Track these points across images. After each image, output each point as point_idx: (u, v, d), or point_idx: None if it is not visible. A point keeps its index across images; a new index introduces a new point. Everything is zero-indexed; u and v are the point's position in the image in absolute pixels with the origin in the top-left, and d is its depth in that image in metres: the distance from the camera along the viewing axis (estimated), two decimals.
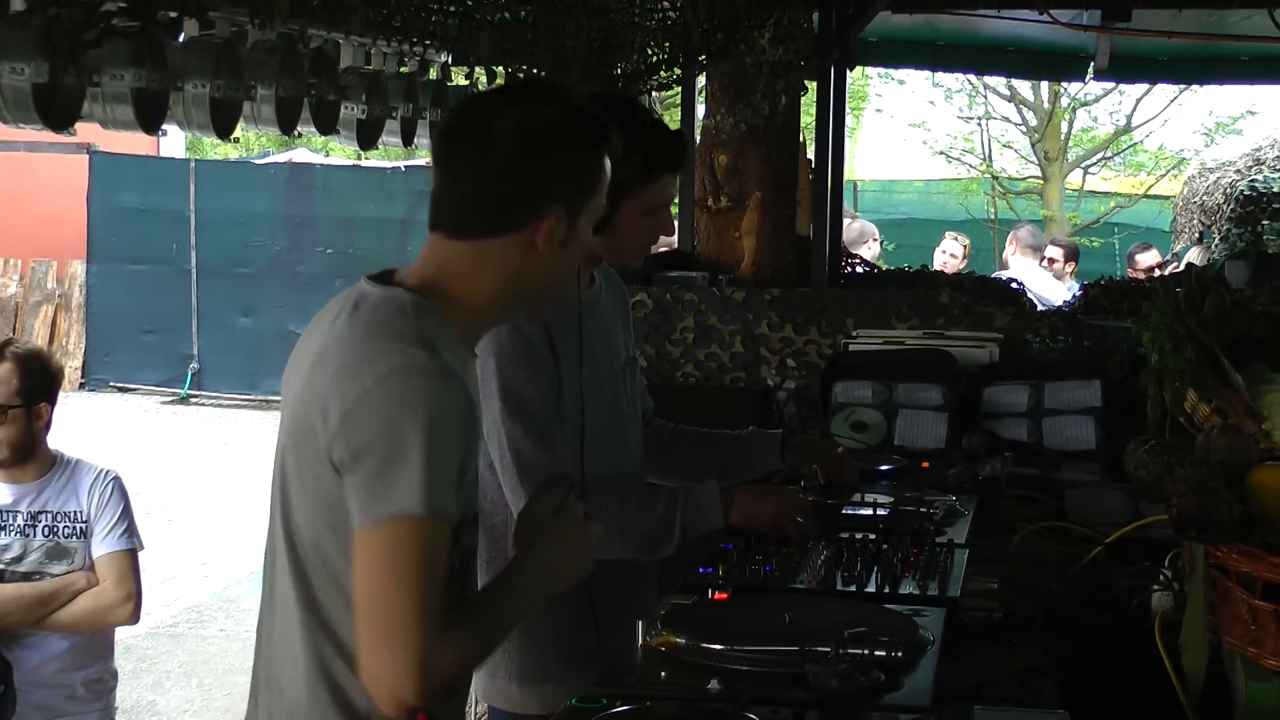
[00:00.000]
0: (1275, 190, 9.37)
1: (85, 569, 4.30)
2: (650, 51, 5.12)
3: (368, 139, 4.55)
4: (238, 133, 3.88)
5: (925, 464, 4.08)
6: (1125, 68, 8.47)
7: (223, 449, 13.92)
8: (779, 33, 5.58)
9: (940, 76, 20.36)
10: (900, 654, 2.29)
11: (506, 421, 3.08)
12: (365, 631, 2.15)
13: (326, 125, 4.26)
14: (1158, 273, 9.63)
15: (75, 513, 4.31)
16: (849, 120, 8.28)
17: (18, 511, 4.29)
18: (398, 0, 3.97)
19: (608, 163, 2.40)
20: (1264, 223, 9.14)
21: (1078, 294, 6.47)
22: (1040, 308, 6.10)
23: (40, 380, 4.27)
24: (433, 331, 2.25)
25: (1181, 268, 7.88)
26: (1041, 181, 20.75)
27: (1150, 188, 20.85)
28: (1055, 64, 8.71)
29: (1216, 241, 9.52)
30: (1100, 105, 21.43)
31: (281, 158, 20.14)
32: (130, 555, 4.35)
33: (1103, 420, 4.65)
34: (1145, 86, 19.10)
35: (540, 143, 2.31)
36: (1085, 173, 22.13)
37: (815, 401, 5.20)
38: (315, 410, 2.21)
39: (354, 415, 2.16)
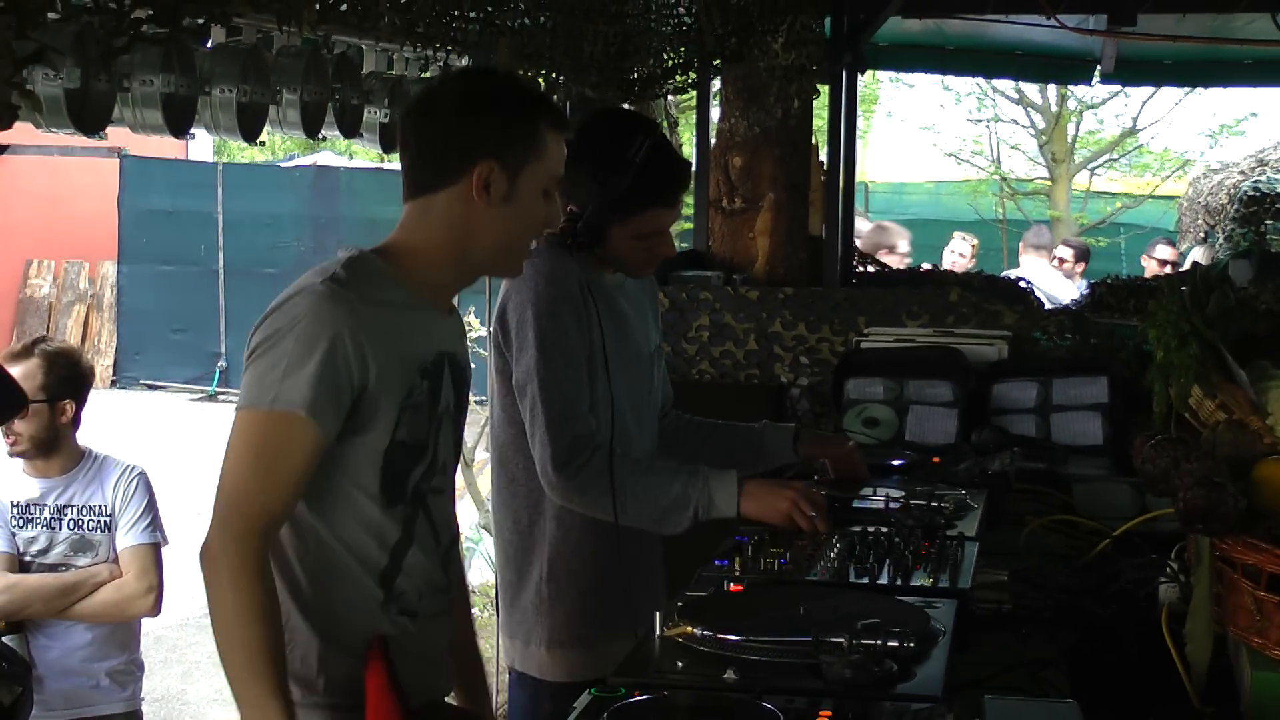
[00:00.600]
0: (1278, 190, 9.34)
1: (109, 562, 4.32)
2: (666, 56, 5.12)
3: (391, 142, 4.55)
4: (264, 136, 3.88)
5: (936, 459, 4.07)
6: (1130, 71, 8.46)
7: None
8: (792, 38, 5.57)
9: (949, 80, 20.34)
10: (912, 645, 2.28)
11: (541, 370, 3.10)
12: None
13: (350, 129, 4.26)
14: (1169, 269, 9.60)
15: (100, 507, 4.32)
16: (860, 123, 8.26)
17: (44, 505, 4.31)
18: (421, 6, 3.97)
19: (548, 133, 2.58)
20: (1267, 222, 9.11)
21: (1085, 292, 6.45)
22: (1048, 306, 6.09)
23: (66, 377, 4.29)
24: (358, 274, 2.48)
25: (1186, 267, 7.87)
26: (1049, 182, 20.68)
27: (1156, 188, 20.77)
28: (1062, 68, 8.69)
29: (1221, 241, 9.50)
30: (1106, 108, 21.37)
31: (306, 161, 20.21)
32: (153, 549, 4.37)
33: (1110, 416, 4.64)
34: (1150, 89, 19.00)
35: (470, 105, 2.55)
36: (1092, 174, 22.05)
37: (828, 398, 5.19)
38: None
39: (259, 326, 2.43)
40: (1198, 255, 9.72)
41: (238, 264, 17.87)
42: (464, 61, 4.83)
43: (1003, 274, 7.50)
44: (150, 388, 17.82)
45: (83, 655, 4.32)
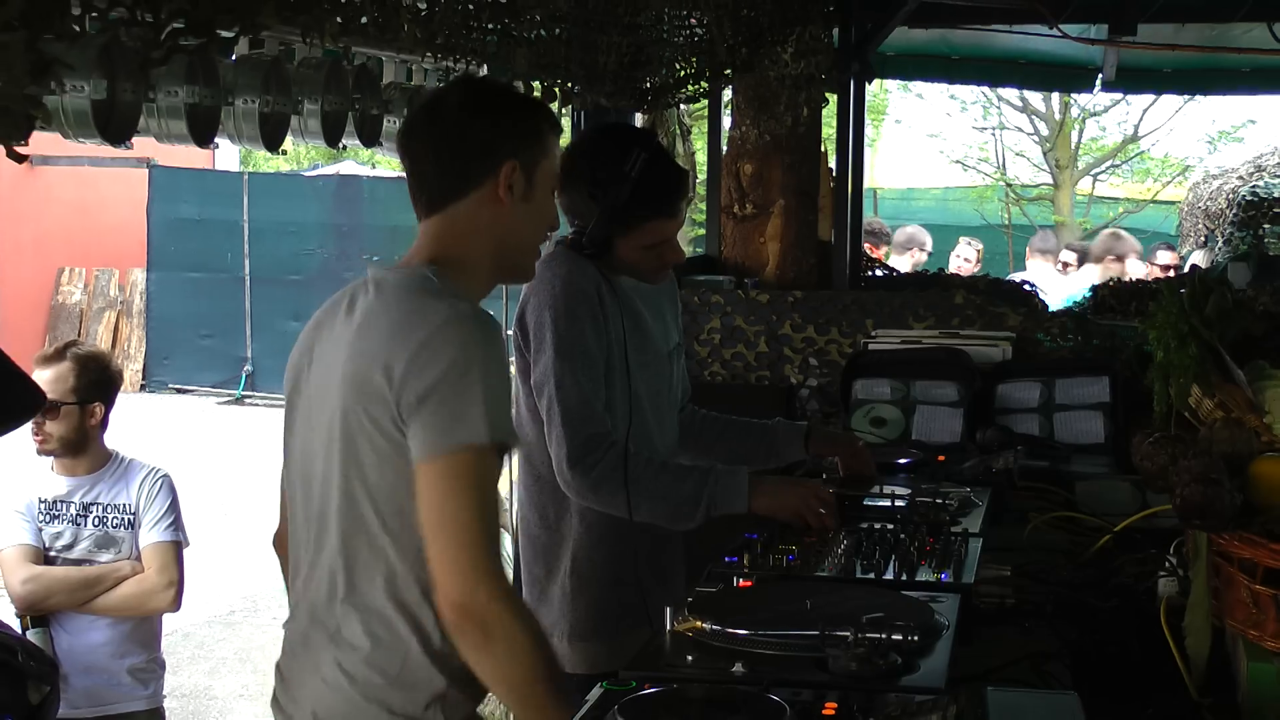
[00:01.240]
0: (1276, 195, 9.32)
1: (132, 558, 4.34)
2: (678, 66, 5.11)
3: None
4: (286, 145, 3.89)
5: (941, 457, 4.07)
6: (1132, 79, 8.44)
7: (275, 446, 13.87)
8: (801, 48, 5.57)
9: (956, 89, 20.35)
10: (916, 638, 2.28)
11: (558, 370, 3.11)
12: (436, 549, 2.25)
13: (370, 138, 4.26)
14: (1172, 273, 9.58)
15: (124, 505, 4.35)
16: (869, 130, 8.27)
17: (70, 502, 4.34)
18: (441, 19, 3.97)
19: (549, 132, 2.57)
20: (1265, 226, 9.09)
21: (1087, 295, 6.44)
22: (1051, 308, 6.07)
23: (96, 381, 4.32)
24: (457, 292, 2.40)
25: (1187, 270, 7.85)
26: (1053, 188, 20.70)
27: (1157, 194, 20.75)
28: (1065, 76, 8.68)
29: (1220, 244, 9.47)
30: (1108, 115, 21.40)
31: (330, 170, 20.27)
32: (174, 547, 4.39)
33: (1111, 415, 4.63)
34: (1151, 97, 19.04)
35: (481, 106, 2.52)
36: (1094, 179, 22.05)
37: (836, 398, 5.19)
38: (376, 371, 2.31)
39: (417, 361, 2.27)
40: (1198, 258, 9.69)
41: (263, 271, 17.91)
42: (483, 71, 4.84)
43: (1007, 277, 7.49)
44: (178, 391, 17.86)
45: (105, 652, 4.33)
